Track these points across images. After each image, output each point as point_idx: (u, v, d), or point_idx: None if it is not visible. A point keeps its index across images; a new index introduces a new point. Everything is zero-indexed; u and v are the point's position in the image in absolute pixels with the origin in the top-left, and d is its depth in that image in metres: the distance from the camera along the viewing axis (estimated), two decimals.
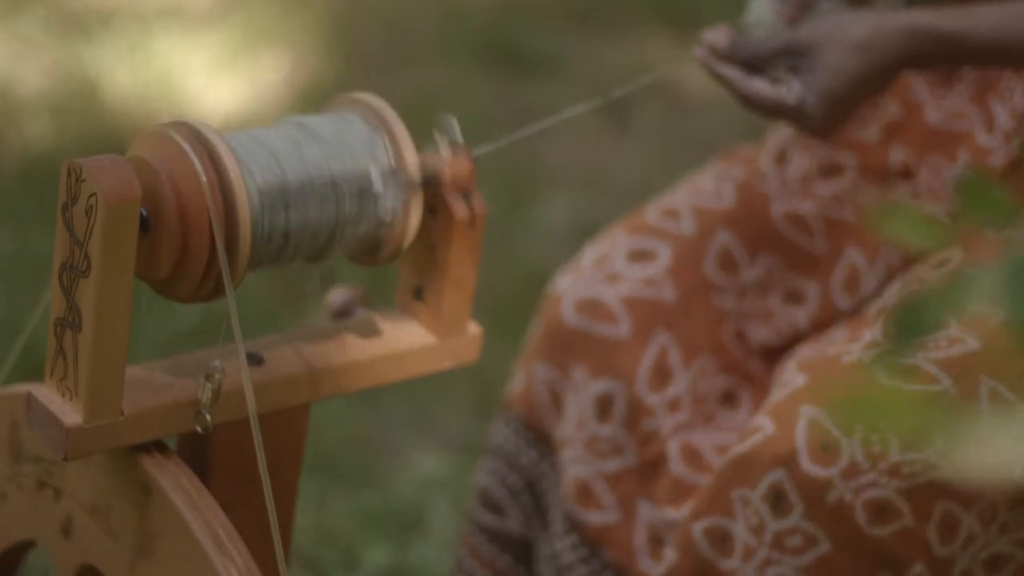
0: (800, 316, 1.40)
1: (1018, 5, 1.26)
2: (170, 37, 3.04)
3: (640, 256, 1.43)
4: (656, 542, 1.35)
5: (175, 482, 1.06)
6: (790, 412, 1.22)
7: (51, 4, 3.09)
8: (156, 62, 2.96)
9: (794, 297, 1.41)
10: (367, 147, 1.11)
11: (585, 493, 1.39)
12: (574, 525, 1.40)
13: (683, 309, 1.40)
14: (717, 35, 1.31)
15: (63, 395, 1.04)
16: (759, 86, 1.28)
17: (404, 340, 1.18)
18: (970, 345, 1.21)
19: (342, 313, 1.21)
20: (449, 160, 1.13)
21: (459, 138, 1.15)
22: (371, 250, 1.13)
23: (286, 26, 3.18)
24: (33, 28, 3.01)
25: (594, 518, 1.38)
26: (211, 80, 2.94)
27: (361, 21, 3.30)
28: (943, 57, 1.26)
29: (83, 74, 2.89)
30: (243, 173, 1.04)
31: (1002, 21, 1.25)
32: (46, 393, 1.05)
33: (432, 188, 1.13)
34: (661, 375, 1.38)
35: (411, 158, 1.11)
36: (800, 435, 1.21)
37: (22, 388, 1.11)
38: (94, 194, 0.98)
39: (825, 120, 1.26)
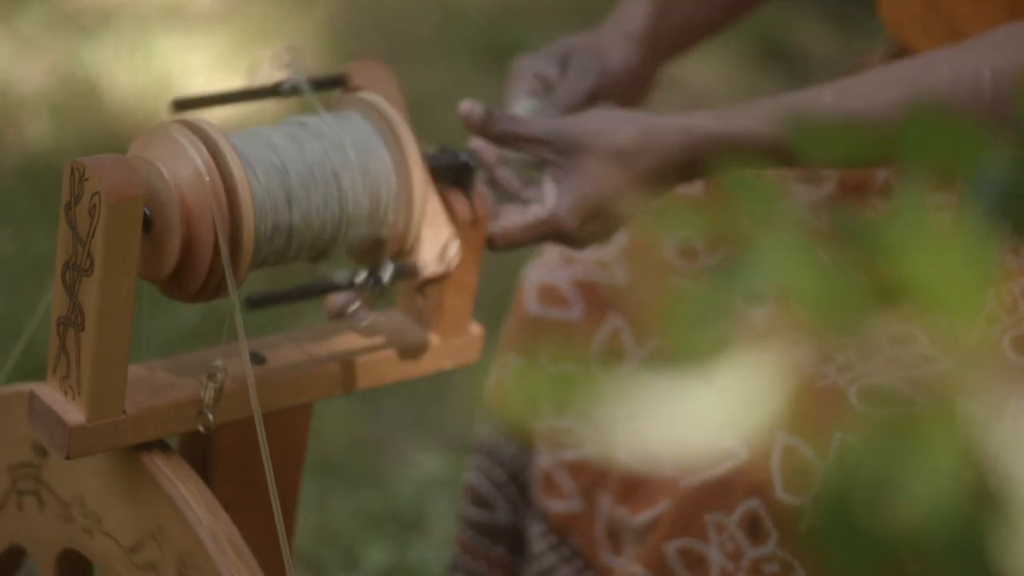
0: (757, 315, 1.38)
1: (798, 96, 1.16)
2: (170, 37, 3.04)
3: None
4: (615, 536, 1.34)
5: (177, 482, 1.06)
6: (764, 438, 1.21)
7: (51, 4, 3.09)
8: (156, 62, 2.96)
9: (751, 297, 1.39)
10: (372, 150, 1.11)
11: (549, 482, 1.38)
12: (542, 514, 1.39)
13: (636, 290, 1.38)
14: (474, 106, 1.16)
15: (65, 394, 1.04)
16: (504, 221, 1.16)
17: (405, 340, 1.18)
18: (942, 364, 1.20)
19: (343, 313, 1.21)
20: (466, 215, 1.14)
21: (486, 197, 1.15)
22: (373, 250, 1.14)
23: (286, 26, 3.18)
24: (33, 28, 3.01)
25: (558, 506, 1.37)
26: (211, 80, 2.94)
27: (361, 21, 3.30)
28: (730, 161, 1.12)
29: (83, 74, 2.89)
30: (246, 172, 1.04)
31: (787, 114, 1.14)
32: (48, 392, 1.05)
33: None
34: (613, 356, 1.36)
35: (417, 174, 1.11)
36: (775, 463, 1.19)
37: (24, 387, 1.11)
38: (97, 193, 0.98)
39: (582, 229, 1.15)
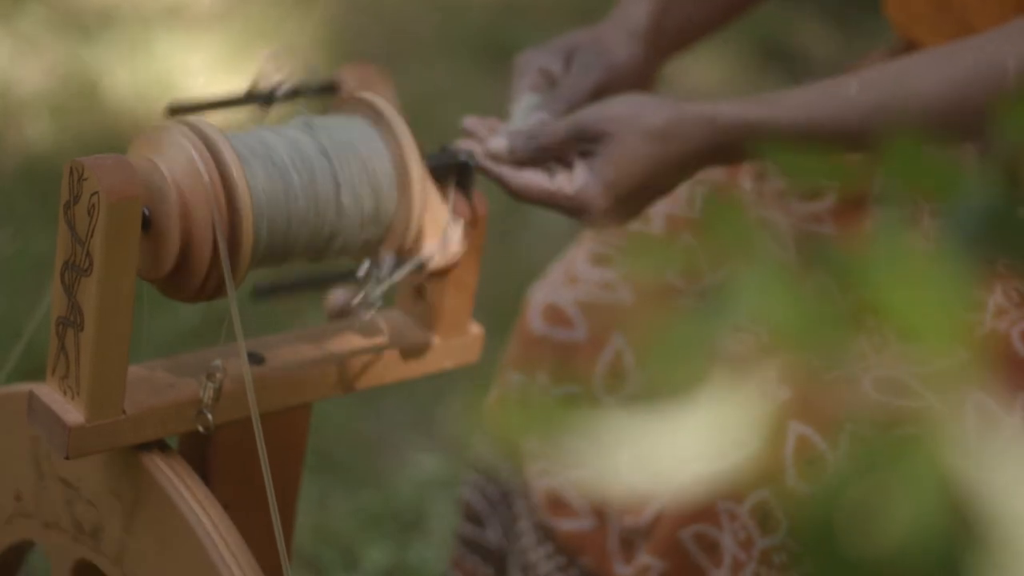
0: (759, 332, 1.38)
1: (823, 85, 1.17)
2: (170, 37, 3.04)
3: (602, 260, 1.41)
4: (627, 545, 1.33)
5: (176, 482, 1.06)
6: (776, 428, 1.21)
7: (51, 4, 3.09)
8: (156, 62, 2.96)
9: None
10: (371, 151, 1.11)
11: (557, 502, 1.37)
12: (549, 534, 1.39)
13: (640, 312, 1.38)
14: (496, 141, 1.18)
15: (65, 394, 1.04)
16: (529, 178, 1.17)
17: (405, 340, 1.18)
18: (953, 358, 1.20)
19: (342, 313, 1.21)
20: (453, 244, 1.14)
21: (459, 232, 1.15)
22: (372, 250, 1.13)
23: (286, 26, 3.18)
24: (33, 28, 3.01)
25: (569, 525, 1.37)
26: (211, 80, 2.94)
27: (361, 21, 3.30)
28: (752, 147, 1.15)
29: (83, 74, 2.89)
30: (245, 172, 1.04)
31: (809, 102, 1.15)
32: (48, 392, 1.05)
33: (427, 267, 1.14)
34: (616, 377, 1.37)
35: (416, 174, 1.11)
36: (788, 452, 1.19)
37: (24, 387, 1.11)
38: (96, 193, 0.98)
39: (608, 211, 1.16)
